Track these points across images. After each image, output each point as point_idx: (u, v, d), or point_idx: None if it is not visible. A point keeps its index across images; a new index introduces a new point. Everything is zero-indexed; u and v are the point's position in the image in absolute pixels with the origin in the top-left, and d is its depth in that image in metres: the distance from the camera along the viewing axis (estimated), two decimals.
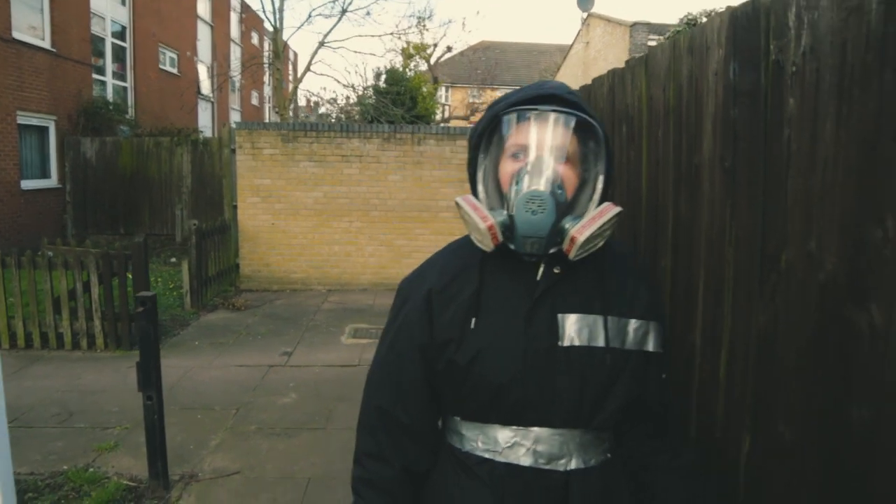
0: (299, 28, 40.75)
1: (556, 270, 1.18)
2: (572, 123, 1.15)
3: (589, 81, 2.41)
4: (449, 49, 21.94)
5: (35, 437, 3.89)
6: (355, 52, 34.38)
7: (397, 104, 14.59)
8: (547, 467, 1.16)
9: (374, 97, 15.33)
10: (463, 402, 1.21)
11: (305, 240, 8.65)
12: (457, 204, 1.21)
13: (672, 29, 11.18)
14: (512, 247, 1.15)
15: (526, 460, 1.16)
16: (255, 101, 30.17)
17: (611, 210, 1.14)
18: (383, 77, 16.05)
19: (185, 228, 12.11)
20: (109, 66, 15.50)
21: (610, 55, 18.56)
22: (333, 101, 17.89)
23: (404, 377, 1.24)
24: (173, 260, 10.76)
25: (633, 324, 1.20)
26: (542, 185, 1.10)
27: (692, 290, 1.51)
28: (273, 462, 3.63)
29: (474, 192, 1.24)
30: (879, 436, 0.93)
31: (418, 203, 8.69)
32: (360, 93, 16.50)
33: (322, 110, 18.54)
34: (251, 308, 7.56)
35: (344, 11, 15.67)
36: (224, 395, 4.68)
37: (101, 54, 15.08)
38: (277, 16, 15.06)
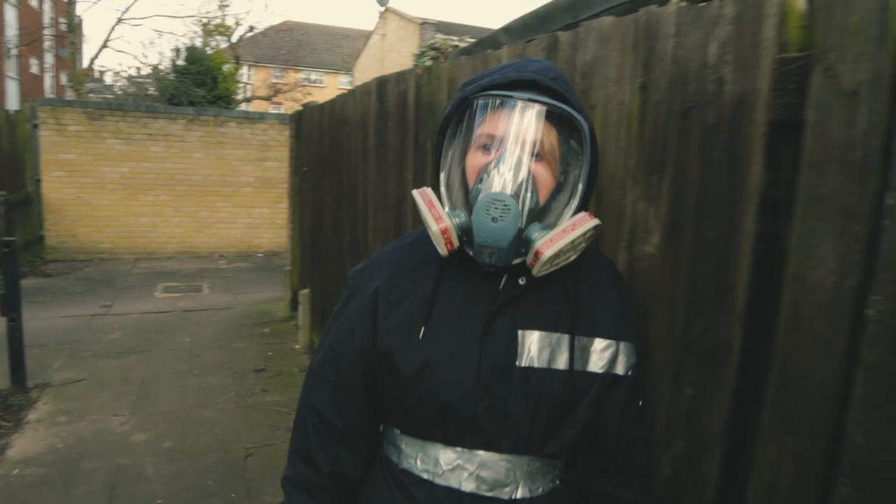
0: (95, 2, 37.82)
1: (520, 282, 1.07)
2: (552, 116, 1.01)
3: (385, 71, 3.69)
4: (251, 28, 22.39)
5: None
6: (156, 30, 33.05)
7: (198, 84, 14.90)
8: (490, 494, 1.07)
9: (173, 76, 15.43)
10: (404, 416, 1.12)
11: (112, 212, 9.28)
12: (413, 197, 1.10)
13: (453, 32, 13.15)
14: (470, 253, 1.04)
15: (468, 486, 1.07)
16: (34, 70, 27.92)
17: (586, 222, 1.01)
18: (182, 55, 16.07)
19: None
20: None
21: (403, 48, 20.40)
22: (130, 77, 17.63)
23: (341, 380, 1.16)
24: None
25: (599, 343, 1.09)
26: (509, 185, 0.97)
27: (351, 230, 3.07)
28: (111, 372, 4.71)
29: (436, 184, 1.10)
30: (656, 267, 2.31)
31: (220, 179, 9.74)
32: (159, 69, 16.48)
33: (109, 81, 18.12)
34: (62, 274, 8.15)
35: None
36: (55, 336, 5.54)
37: None
38: None
